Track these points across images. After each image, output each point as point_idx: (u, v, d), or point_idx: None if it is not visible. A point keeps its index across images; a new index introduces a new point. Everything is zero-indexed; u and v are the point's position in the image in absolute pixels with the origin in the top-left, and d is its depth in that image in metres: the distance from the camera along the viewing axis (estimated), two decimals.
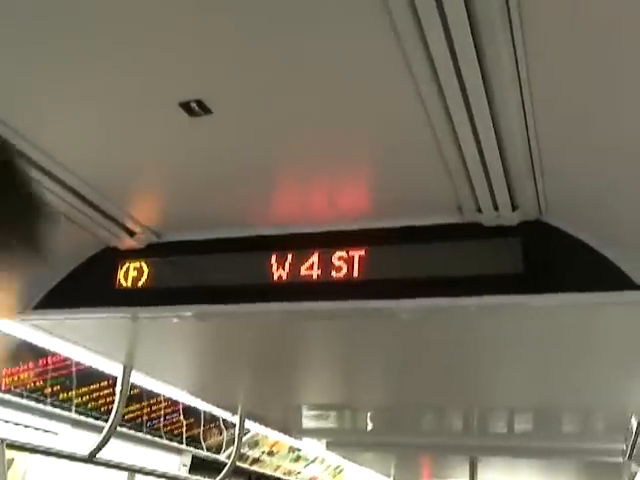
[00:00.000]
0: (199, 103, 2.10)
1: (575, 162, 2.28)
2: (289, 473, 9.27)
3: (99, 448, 4.36)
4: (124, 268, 3.10)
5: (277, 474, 9.03)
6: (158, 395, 6.10)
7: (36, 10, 1.79)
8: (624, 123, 2.05)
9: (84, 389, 5.50)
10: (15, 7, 1.78)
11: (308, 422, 6.02)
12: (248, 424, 6.05)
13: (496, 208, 2.52)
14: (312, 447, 7.96)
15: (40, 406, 5.08)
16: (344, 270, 2.72)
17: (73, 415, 5.40)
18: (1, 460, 4.41)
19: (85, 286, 3.17)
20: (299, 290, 2.77)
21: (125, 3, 1.75)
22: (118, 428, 4.43)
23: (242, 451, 6.99)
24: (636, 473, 5.94)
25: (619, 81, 1.88)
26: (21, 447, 4.70)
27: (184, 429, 6.95)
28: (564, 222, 2.54)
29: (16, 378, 4.79)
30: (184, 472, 7.07)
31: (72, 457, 4.57)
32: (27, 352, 4.82)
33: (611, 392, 3.97)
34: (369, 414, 5.78)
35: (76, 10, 1.78)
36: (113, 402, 4.27)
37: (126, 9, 1.77)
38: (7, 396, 4.74)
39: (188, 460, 7.14)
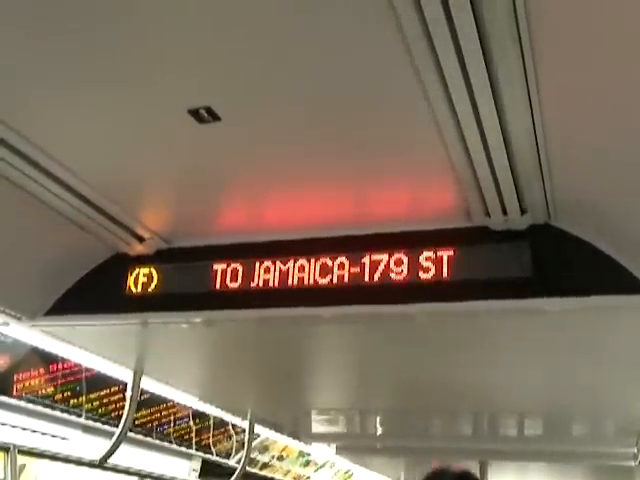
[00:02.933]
0: (208, 110, 2.11)
1: (584, 166, 2.28)
2: (299, 478, 9.26)
3: (110, 453, 4.37)
4: (134, 274, 3.11)
5: (287, 479, 9.03)
6: (168, 400, 6.11)
7: (52, 23, 1.81)
8: (633, 127, 2.04)
9: (94, 395, 5.53)
10: (26, 17, 1.80)
11: (318, 427, 6.01)
12: (258, 429, 6.05)
13: (505, 212, 2.52)
14: (322, 452, 7.95)
15: (51, 412, 5.11)
16: (353, 276, 2.72)
17: (83, 421, 5.43)
18: (13, 466, 4.43)
19: (95, 292, 3.18)
20: (308, 295, 2.78)
21: (136, 12, 1.77)
22: (128, 433, 4.44)
23: (252, 456, 6.98)
24: None
25: (628, 86, 1.88)
26: (32, 453, 4.72)
27: (194, 434, 6.97)
28: (573, 226, 2.53)
29: (27, 384, 4.82)
30: (194, 477, 7.08)
31: (83, 463, 4.58)
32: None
33: (622, 395, 3.95)
34: (379, 418, 5.77)
35: (89, 21, 1.80)
36: (123, 407, 4.28)
37: (137, 18, 1.79)
38: (19, 402, 4.77)
39: (198, 465, 7.15)
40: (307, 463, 9.09)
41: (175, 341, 3.47)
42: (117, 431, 4.32)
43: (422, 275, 2.65)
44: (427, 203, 2.62)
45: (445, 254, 2.64)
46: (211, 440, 7.25)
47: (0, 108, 2.21)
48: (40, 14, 1.79)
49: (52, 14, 1.79)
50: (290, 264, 2.84)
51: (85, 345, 3.72)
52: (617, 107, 1.98)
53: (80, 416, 5.39)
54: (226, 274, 2.94)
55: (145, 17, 1.79)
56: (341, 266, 2.75)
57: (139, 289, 3.08)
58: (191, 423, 6.89)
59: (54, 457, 4.77)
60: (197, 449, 7.06)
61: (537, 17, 1.65)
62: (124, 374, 4.30)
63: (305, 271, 2.80)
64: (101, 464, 4.43)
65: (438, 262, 2.64)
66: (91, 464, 4.53)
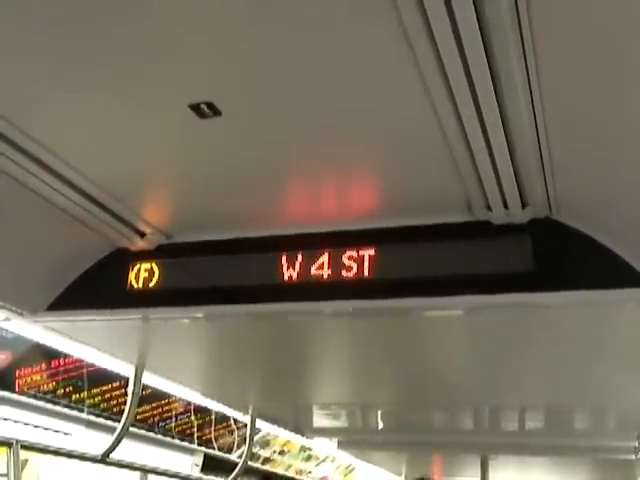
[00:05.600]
0: (209, 105, 2.11)
1: (585, 160, 2.28)
2: (300, 472, 9.29)
3: (112, 448, 4.38)
4: (135, 269, 3.11)
5: (288, 473, 9.05)
6: (170, 395, 6.13)
7: (52, 18, 1.81)
8: (634, 121, 2.04)
9: (96, 390, 5.54)
10: (27, 15, 1.80)
11: (319, 421, 6.03)
12: (259, 424, 6.06)
13: (506, 206, 2.52)
14: (323, 446, 7.97)
15: (53, 407, 5.13)
16: (354, 269, 2.72)
17: (85, 416, 5.45)
18: (16, 461, 4.44)
19: (97, 288, 3.19)
20: (309, 290, 2.78)
21: (137, 9, 1.77)
22: (130, 428, 4.45)
23: (254, 450, 7.00)
24: None
25: (628, 80, 1.87)
26: (35, 448, 4.73)
27: (196, 429, 6.99)
28: (574, 219, 2.54)
29: (29, 380, 4.83)
30: (196, 472, 7.10)
31: (86, 458, 4.59)
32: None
33: (623, 389, 3.95)
34: (380, 413, 5.78)
35: (90, 19, 1.80)
36: (125, 403, 4.30)
37: (139, 14, 1.79)
38: (21, 397, 4.78)
39: (200, 460, 7.18)
40: (309, 458, 9.12)
41: (176, 336, 3.48)
42: (119, 426, 4.33)
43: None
44: (428, 197, 2.62)
45: (446, 248, 2.64)
46: (213, 435, 7.27)
47: (2, 104, 2.21)
48: (42, 12, 1.79)
49: (54, 12, 1.79)
50: (292, 259, 2.84)
51: (87, 340, 3.73)
52: (619, 101, 1.98)
53: (82, 411, 5.41)
54: (226, 269, 2.94)
55: (146, 13, 1.79)
56: (341, 260, 2.76)
57: (140, 284, 3.09)
58: (193, 418, 6.91)
59: (56, 452, 4.78)
60: (199, 444, 7.08)
61: (539, 14, 1.65)
62: (126, 369, 4.31)
63: (306, 265, 2.81)
64: (103, 459, 4.45)
65: (439, 256, 2.64)
66: (93, 459, 4.54)
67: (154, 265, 3.09)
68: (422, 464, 9.11)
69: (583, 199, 2.47)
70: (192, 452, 7.09)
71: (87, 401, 5.45)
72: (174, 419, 6.64)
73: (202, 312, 3.02)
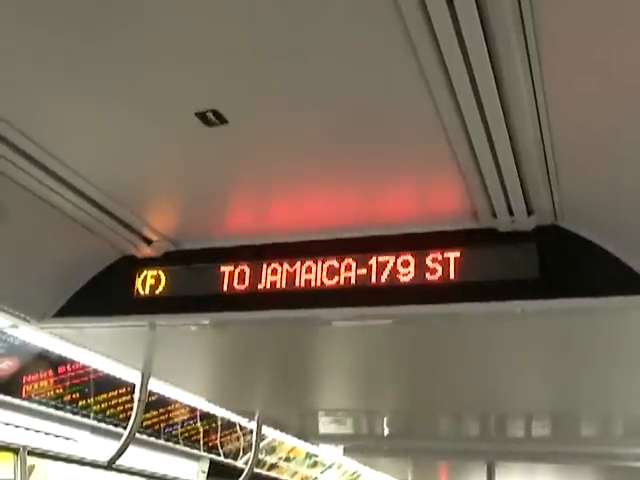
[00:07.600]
0: (215, 113, 2.12)
1: (591, 167, 2.28)
2: (306, 479, 9.27)
3: (118, 455, 4.38)
4: (142, 276, 3.13)
5: None
6: (176, 402, 6.13)
7: (57, 24, 1.82)
8: (639, 126, 2.04)
9: (102, 396, 5.55)
10: (31, 17, 1.82)
11: (325, 428, 6.02)
12: (265, 430, 6.06)
13: (511, 213, 2.52)
14: (329, 453, 7.95)
15: (59, 413, 5.13)
16: (360, 277, 2.73)
17: (92, 422, 5.45)
18: (23, 467, 4.46)
19: (104, 294, 3.20)
20: (315, 297, 2.78)
21: (145, 16, 1.78)
22: (136, 435, 4.46)
23: (259, 457, 6.99)
24: None
25: (633, 85, 1.88)
26: (42, 454, 4.74)
27: (201, 435, 6.98)
28: (580, 226, 2.53)
29: (36, 386, 4.85)
30: (202, 478, 7.10)
31: (92, 464, 4.60)
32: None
33: (630, 396, 3.94)
34: (386, 420, 5.77)
35: (97, 24, 1.81)
36: (131, 409, 4.30)
37: (146, 22, 1.80)
38: (28, 404, 4.79)
39: (206, 466, 7.17)
40: (314, 464, 9.10)
41: (183, 343, 3.49)
42: (125, 432, 4.33)
43: (429, 276, 2.65)
44: (434, 205, 2.62)
45: (452, 255, 2.64)
46: (219, 441, 7.26)
47: (10, 112, 2.23)
48: (47, 15, 1.80)
49: (59, 16, 1.80)
50: (297, 266, 2.84)
51: (93, 347, 3.74)
52: (623, 108, 1.98)
53: (88, 417, 5.41)
54: (233, 276, 2.95)
55: (153, 21, 1.80)
56: (348, 268, 2.76)
57: (147, 291, 3.10)
58: (199, 424, 6.91)
59: (63, 458, 4.79)
60: (205, 450, 7.08)
61: (541, 15, 1.65)
62: (132, 376, 4.31)
63: (312, 273, 2.81)
64: (110, 465, 4.45)
65: (445, 263, 2.65)
66: (100, 465, 4.55)
67: (161, 272, 3.10)
68: (428, 471, 9.08)
69: (588, 206, 2.47)
70: (198, 458, 7.09)
71: (93, 407, 5.46)
72: (180, 425, 6.63)
73: (208, 319, 3.03)
